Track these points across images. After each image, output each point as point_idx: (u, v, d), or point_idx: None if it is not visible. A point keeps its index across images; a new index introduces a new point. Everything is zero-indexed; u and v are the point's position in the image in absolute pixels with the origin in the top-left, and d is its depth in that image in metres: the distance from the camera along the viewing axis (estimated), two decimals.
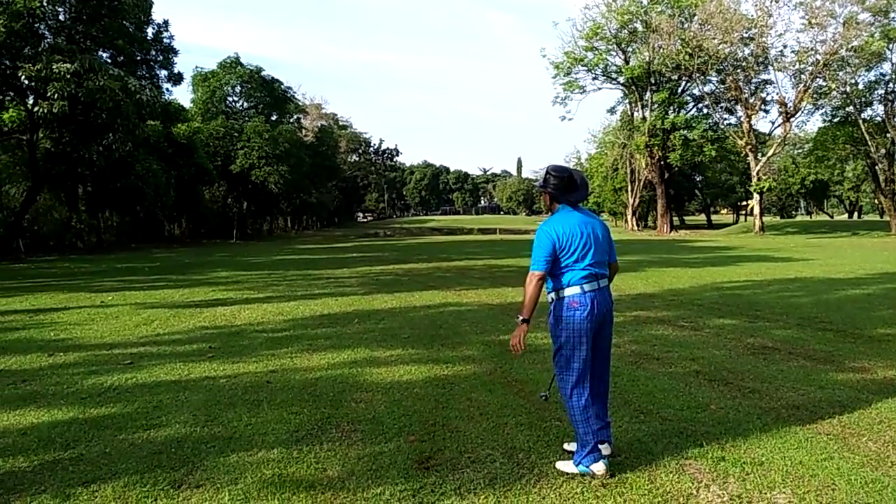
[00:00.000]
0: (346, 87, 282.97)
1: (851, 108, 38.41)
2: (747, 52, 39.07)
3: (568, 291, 3.31)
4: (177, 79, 32.86)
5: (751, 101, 40.98)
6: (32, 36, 22.75)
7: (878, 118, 38.51)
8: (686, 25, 40.04)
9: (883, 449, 3.58)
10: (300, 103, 57.79)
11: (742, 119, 41.59)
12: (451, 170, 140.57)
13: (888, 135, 37.10)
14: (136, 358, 6.12)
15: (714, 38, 37.43)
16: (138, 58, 29.79)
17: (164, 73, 31.98)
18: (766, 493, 3.05)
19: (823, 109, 40.80)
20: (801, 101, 38.20)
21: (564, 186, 3.42)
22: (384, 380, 5.20)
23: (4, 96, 24.02)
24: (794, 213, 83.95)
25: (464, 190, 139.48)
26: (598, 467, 3.23)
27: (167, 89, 33.58)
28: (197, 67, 46.42)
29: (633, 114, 48.26)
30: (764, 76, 40.81)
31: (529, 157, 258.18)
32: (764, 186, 40.30)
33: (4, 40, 20.91)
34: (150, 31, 30.16)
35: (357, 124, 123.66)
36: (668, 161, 44.49)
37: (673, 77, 42.72)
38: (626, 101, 48.81)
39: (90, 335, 7.39)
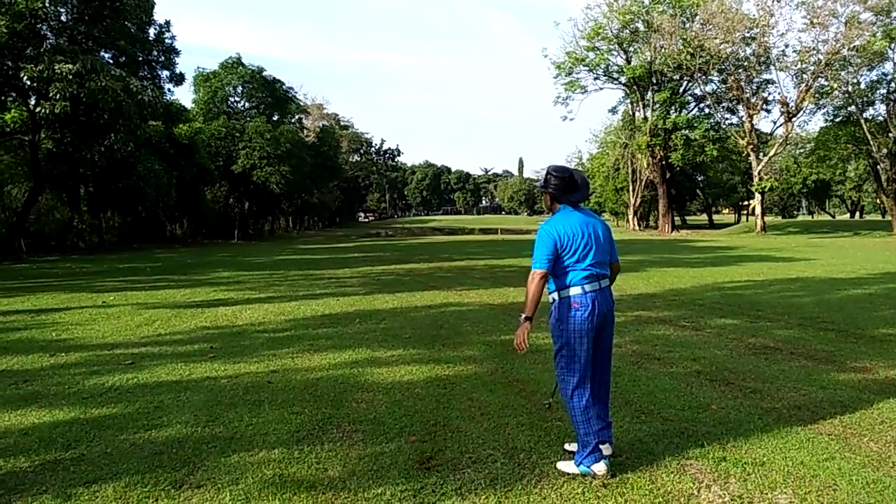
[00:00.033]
0: (347, 87, 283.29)
1: (853, 107, 38.34)
2: (749, 51, 39.01)
3: (569, 292, 3.31)
4: (178, 79, 32.91)
5: (752, 100, 40.92)
6: (35, 37, 22.81)
7: (880, 118, 38.46)
8: (688, 25, 39.99)
9: (884, 449, 3.58)
10: (302, 103, 57.85)
11: (744, 119, 41.53)
12: (453, 170, 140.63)
13: (890, 134, 37.03)
14: (137, 358, 6.12)
15: (716, 38, 37.37)
16: (140, 58, 29.84)
17: (165, 73, 32.06)
18: (767, 494, 3.05)
19: (825, 109, 40.76)
20: (802, 100, 38.14)
21: (565, 187, 3.41)
22: (385, 380, 5.20)
23: (7, 97, 24.07)
24: (795, 212, 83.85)
25: (465, 190, 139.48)
26: (600, 468, 3.23)
27: (169, 90, 33.67)
28: (198, 68, 46.53)
29: (634, 114, 48.23)
30: (766, 76, 40.80)
31: (531, 157, 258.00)
32: (766, 186, 40.25)
33: (7, 41, 20.96)
34: (151, 31, 30.22)
35: (358, 124, 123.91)
36: (670, 161, 44.44)
37: (674, 77, 42.65)
38: (628, 100, 48.78)
39: (92, 335, 7.40)
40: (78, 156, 25.54)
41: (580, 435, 3.28)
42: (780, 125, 41.11)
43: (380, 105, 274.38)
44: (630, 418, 4.14)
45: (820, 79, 37.26)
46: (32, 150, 25.16)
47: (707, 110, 44.77)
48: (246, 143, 42.48)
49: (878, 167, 39.54)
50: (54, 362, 6.05)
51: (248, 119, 46.77)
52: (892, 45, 34.52)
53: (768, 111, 45.81)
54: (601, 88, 47.83)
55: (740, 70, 40.08)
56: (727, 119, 44.32)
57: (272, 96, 48.17)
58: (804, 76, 37.72)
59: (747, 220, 62.01)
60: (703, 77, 41.09)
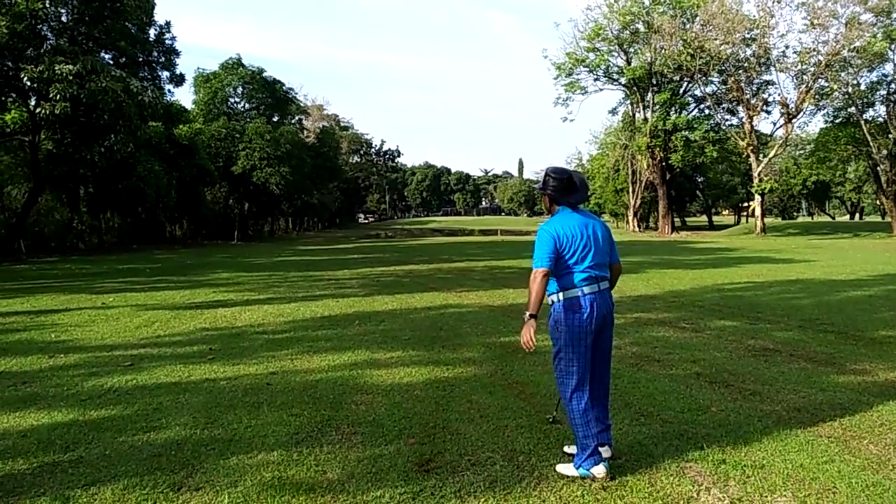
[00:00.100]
0: (347, 88, 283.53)
1: (853, 108, 38.35)
2: (749, 52, 39.02)
3: (568, 294, 3.30)
4: (179, 80, 32.93)
5: (752, 101, 40.94)
6: (35, 37, 22.82)
7: (881, 119, 38.46)
8: (688, 26, 40.01)
9: (884, 452, 3.57)
10: (302, 104, 57.87)
11: (744, 120, 41.55)
12: (453, 171, 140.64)
13: (890, 136, 37.04)
14: (136, 360, 6.12)
15: (716, 39, 37.40)
16: (140, 59, 29.87)
17: (165, 74, 32.09)
18: (766, 497, 3.05)
19: (825, 110, 40.78)
20: (802, 101, 38.15)
21: (564, 188, 3.41)
22: (384, 382, 5.19)
23: (7, 97, 24.09)
24: (795, 214, 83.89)
25: (465, 191, 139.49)
26: (599, 470, 3.22)
27: (169, 90, 33.76)
28: (199, 69, 46.63)
29: (634, 115, 48.24)
30: (766, 77, 40.83)
31: (531, 158, 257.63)
32: (765, 188, 40.25)
33: (7, 42, 20.97)
34: (152, 32, 30.25)
35: (358, 125, 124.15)
36: (670, 162, 44.46)
37: (675, 78, 42.68)
38: (628, 101, 48.81)
39: (91, 337, 7.40)
40: (78, 156, 25.56)
41: (579, 438, 3.28)
42: (780, 126, 41.16)
43: (380, 106, 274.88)
44: (629, 420, 4.14)
45: (820, 80, 37.28)
46: (32, 150, 25.18)
47: (707, 111, 44.82)
48: (246, 144, 42.50)
49: (878, 169, 39.55)
50: (53, 364, 6.04)
51: (248, 120, 46.79)
52: (893, 47, 34.54)
53: (768, 112, 45.98)
54: (601, 89, 47.93)
55: (740, 71, 40.10)
56: (727, 120, 44.40)
57: (272, 97, 48.20)
58: (804, 77, 37.73)
59: (747, 222, 62.07)
60: (704, 78, 41.11)
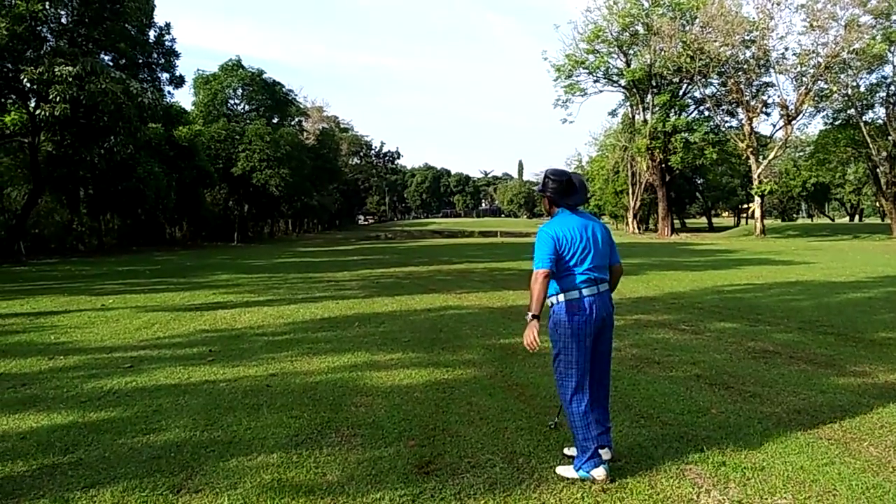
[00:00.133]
0: (346, 90, 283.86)
1: (853, 110, 38.40)
2: (748, 54, 39.06)
3: (566, 296, 3.30)
4: (178, 81, 32.90)
5: (752, 103, 40.97)
6: (35, 39, 22.82)
7: (880, 121, 38.50)
8: (687, 28, 40.05)
9: (884, 454, 3.57)
10: (301, 106, 57.87)
11: (743, 122, 41.58)
12: (452, 172, 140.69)
13: (889, 137, 37.07)
14: (136, 361, 6.12)
15: (715, 41, 37.43)
16: (140, 61, 29.84)
17: (165, 75, 32.02)
18: (766, 499, 3.04)
19: (825, 112, 40.81)
20: (802, 103, 38.18)
21: (563, 190, 3.41)
22: (384, 384, 5.19)
23: (6, 99, 24.08)
24: (795, 215, 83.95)
25: (465, 193, 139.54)
26: (599, 472, 3.22)
27: (169, 92, 33.71)
28: (198, 70, 46.63)
29: (634, 116, 48.26)
30: (765, 79, 40.86)
31: (530, 160, 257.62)
32: (765, 189, 40.28)
33: (7, 43, 20.97)
34: (152, 34, 30.22)
35: (358, 127, 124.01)
36: (669, 164, 44.48)
37: (674, 80, 42.71)
38: (628, 103, 48.84)
39: (90, 338, 7.39)
40: (78, 158, 25.53)
41: (579, 440, 3.28)
42: (780, 128, 41.19)
43: (380, 107, 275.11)
44: (629, 422, 4.14)
45: (819, 82, 37.31)
46: (32, 152, 25.18)
47: (707, 113, 44.84)
48: (246, 146, 42.49)
49: (878, 170, 39.57)
50: (53, 365, 6.04)
51: (248, 121, 46.80)
52: (892, 49, 34.58)
53: (768, 114, 45.94)
54: (601, 91, 47.91)
55: (740, 73, 40.13)
56: (727, 122, 44.39)
57: (272, 99, 48.23)
58: (804, 79, 37.77)
59: (747, 224, 62.06)
60: (703, 80, 41.15)
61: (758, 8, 37.47)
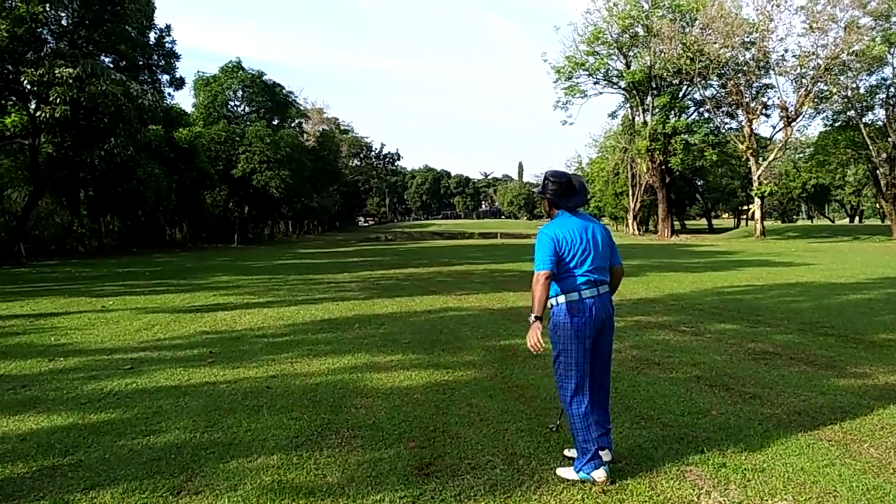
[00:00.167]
0: (347, 91, 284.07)
1: (853, 112, 38.38)
2: (748, 56, 39.07)
3: (566, 297, 3.30)
4: (179, 83, 32.89)
5: (752, 105, 40.98)
6: (35, 41, 22.85)
7: (880, 122, 38.48)
8: (687, 30, 40.07)
9: (885, 455, 3.57)
10: (302, 108, 57.93)
11: (743, 123, 41.59)
12: (453, 174, 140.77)
13: (889, 139, 37.05)
14: (136, 363, 6.11)
15: (715, 43, 37.45)
16: (140, 62, 29.85)
17: (165, 77, 32.01)
18: (767, 500, 3.04)
19: (825, 114, 40.79)
20: (802, 105, 38.18)
21: (563, 191, 3.41)
22: (384, 385, 5.19)
23: (7, 101, 24.10)
24: (795, 217, 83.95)
25: (465, 194, 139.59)
26: (599, 474, 3.22)
27: (169, 94, 33.65)
28: (199, 72, 46.68)
29: (634, 118, 48.28)
30: (765, 80, 40.84)
31: (531, 162, 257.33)
32: (765, 191, 40.28)
33: (7, 45, 21.00)
34: (152, 35, 30.23)
35: (358, 129, 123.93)
36: (670, 165, 44.48)
37: (674, 81, 42.73)
38: (628, 105, 48.85)
39: (90, 340, 7.39)
40: (78, 160, 25.52)
41: (579, 441, 3.27)
42: (780, 130, 41.20)
43: (380, 109, 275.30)
44: (630, 424, 4.13)
45: (819, 83, 37.31)
46: (32, 154, 25.19)
47: (706, 115, 44.85)
48: (246, 148, 42.51)
49: (878, 172, 39.55)
50: (53, 367, 6.04)
51: (248, 123, 46.81)
52: (892, 50, 34.58)
53: (768, 116, 45.83)
54: (601, 93, 47.94)
55: (740, 75, 40.15)
56: (727, 123, 44.40)
57: (272, 100, 48.26)
58: (803, 81, 37.78)
59: (747, 225, 62.08)
60: (703, 81, 41.17)
61: (757, 10, 37.54)
